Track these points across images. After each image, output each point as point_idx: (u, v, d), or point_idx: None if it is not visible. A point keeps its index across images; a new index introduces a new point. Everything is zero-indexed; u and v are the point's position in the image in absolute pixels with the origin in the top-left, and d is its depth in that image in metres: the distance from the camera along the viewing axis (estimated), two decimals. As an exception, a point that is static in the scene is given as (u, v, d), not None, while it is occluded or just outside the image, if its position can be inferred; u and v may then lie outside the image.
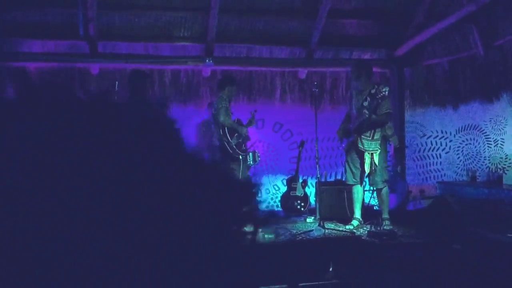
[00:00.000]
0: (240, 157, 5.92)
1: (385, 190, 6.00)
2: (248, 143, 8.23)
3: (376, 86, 5.66)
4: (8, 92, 7.55)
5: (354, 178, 6.12)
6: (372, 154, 5.85)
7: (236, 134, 5.97)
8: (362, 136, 5.87)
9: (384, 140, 5.98)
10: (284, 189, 7.93)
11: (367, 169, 5.87)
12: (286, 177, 8.13)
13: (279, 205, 7.78)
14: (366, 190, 6.97)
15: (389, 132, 5.95)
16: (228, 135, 5.90)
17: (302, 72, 8.67)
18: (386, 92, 5.60)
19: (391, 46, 8.55)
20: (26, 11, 7.09)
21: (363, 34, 8.40)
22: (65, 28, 7.30)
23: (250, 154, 7.06)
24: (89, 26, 7.15)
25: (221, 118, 5.86)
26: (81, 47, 7.49)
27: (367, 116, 5.70)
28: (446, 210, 6.26)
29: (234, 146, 5.89)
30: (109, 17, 7.38)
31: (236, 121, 6.19)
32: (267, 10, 7.74)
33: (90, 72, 7.88)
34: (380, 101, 5.72)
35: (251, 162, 7.09)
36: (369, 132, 5.86)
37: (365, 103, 5.73)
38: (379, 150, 5.87)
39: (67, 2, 6.95)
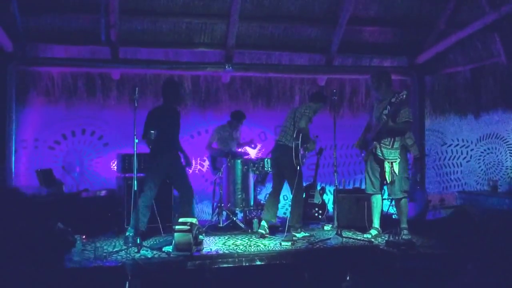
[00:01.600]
0: (298, 168, 5.96)
1: (404, 200, 5.94)
2: (266, 150, 8.24)
3: (396, 95, 5.62)
4: (31, 96, 7.69)
5: (373, 187, 6.07)
6: (392, 163, 5.80)
7: (305, 145, 6.05)
8: (381, 144, 5.83)
9: (404, 149, 5.93)
10: (302, 196, 7.90)
11: (388, 179, 5.82)
12: (304, 184, 8.11)
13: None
14: (385, 199, 6.91)
15: (409, 142, 5.90)
16: (300, 141, 5.97)
17: (322, 79, 8.65)
18: (404, 96, 5.56)
19: (412, 53, 8.48)
20: (50, 17, 7.20)
21: (383, 42, 8.36)
22: (88, 34, 7.40)
23: (268, 160, 7.07)
24: (111, 32, 7.24)
25: (303, 125, 5.96)
26: (102, 52, 7.58)
27: (384, 120, 5.67)
28: (466, 220, 6.17)
29: (299, 154, 5.96)
30: (131, 23, 7.46)
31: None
32: (287, 17, 7.75)
33: (111, 77, 7.98)
34: (398, 106, 5.67)
35: (269, 168, 7.10)
36: (388, 140, 5.81)
37: (385, 111, 5.70)
38: (399, 160, 5.82)
39: (90, 8, 7.05)
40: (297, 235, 6.00)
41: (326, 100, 6.50)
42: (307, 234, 6.15)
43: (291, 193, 6.15)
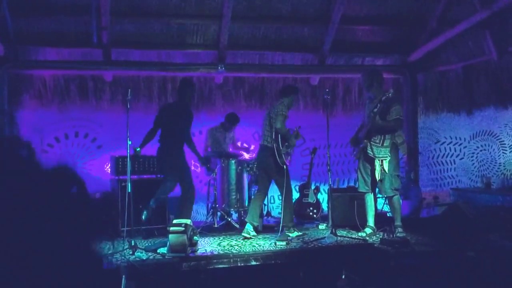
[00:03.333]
0: (285, 167, 5.96)
1: (396, 197, 5.96)
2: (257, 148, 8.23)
3: (386, 93, 5.66)
4: (24, 99, 7.66)
5: (366, 185, 6.09)
6: (382, 161, 5.82)
7: (286, 143, 6.02)
8: (371, 142, 5.85)
9: (395, 147, 5.93)
10: (296, 195, 7.91)
11: (377, 176, 5.83)
12: (298, 184, 8.12)
13: (292, 212, 7.75)
14: (379, 197, 6.93)
15: (398, 140, 5.91)
16: (280, 141, 5.95)
17: (314, 79, 8.66)
18: (390, 94, 5.60)
19: (404, 52, 8.51)
20: (41, 20, 7.17)
21: (375, 40, 8.38)
22: (79, 36, 7.38)
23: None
24: (103, 34, 7.22)
25: (278, 125, 5.93)
26: (95, 54, 7.56)
27: (373, 118, 5.69)
28: (460, 217, 6.20)
29: (282, 154, 5.95)
30: (123, 25, 7.44)
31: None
32: (279, 17, 7.75)
33: (104, 79, 7.96)
34: (388, 104, 5.70)
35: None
36: (378, 138, 5.83)
37: (375, 110, 5.73)
38: (389, 157, 5.83)
39: (81, 10, 7.02)
40: (291, 234, 6.01)
41: (295, 91, 6.44)
42: (300, 233, 6.15)
43: (281, 194, 6.16)
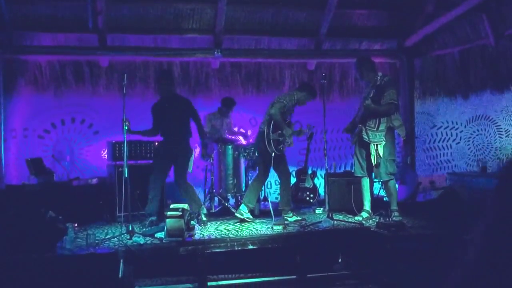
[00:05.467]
0: (273, 154, 5.94)
1: (392, 182, 5.98)
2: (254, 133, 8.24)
3: (380, 78, 5.67)
4: (19, 85, 7.62)
5: (362, 170, 6.11)
6: (377, 145, 5.83)
7: (279, 132, 5.99)
8: (366, 126, 5.86)
9: (391, 132, 5.92)
10: (293, 180, 7.93)
11: (373, 161, 5.85)
12: (295, 169, 8.14)
13: (289, 197, 7.78)
14: (376, 182, 6.95)
15: (395, 124, 5.90)
16: (271, 127, 5.94)
17: (311, 64, 8.64)
18: (379, 77, 5.62)
19: (401, 36, 8.48)
20: (36, 5, 7.12)
21: (372, 25, 8.34)
22: (75, 21, 7.33)
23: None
24: (98, 19, 7.17)
25: (272, 111, 5.92)
26: (90, 40, 7.52)
27: (366, 103, 5.70)
28: (455, 201, 6.23)
29: (271, 140, 5.92)
30: (118, 9, 7.39)
31: (288, 123, 6.17)
32: (275, 1, 7.70)
33: (99, 64, 7.92)
34: (382, 88, 5.70)
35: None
36: (373, 122, 5.83)
37: (371, 94, 5.73)
38: (384, 142, 5.83)
39: (76, -5, 6.98)
40: (289, 219, 6.04)
41: (310, 91, 6.35)
42: (299, 218, 6.17)
43: (279, 178, 6.21)
